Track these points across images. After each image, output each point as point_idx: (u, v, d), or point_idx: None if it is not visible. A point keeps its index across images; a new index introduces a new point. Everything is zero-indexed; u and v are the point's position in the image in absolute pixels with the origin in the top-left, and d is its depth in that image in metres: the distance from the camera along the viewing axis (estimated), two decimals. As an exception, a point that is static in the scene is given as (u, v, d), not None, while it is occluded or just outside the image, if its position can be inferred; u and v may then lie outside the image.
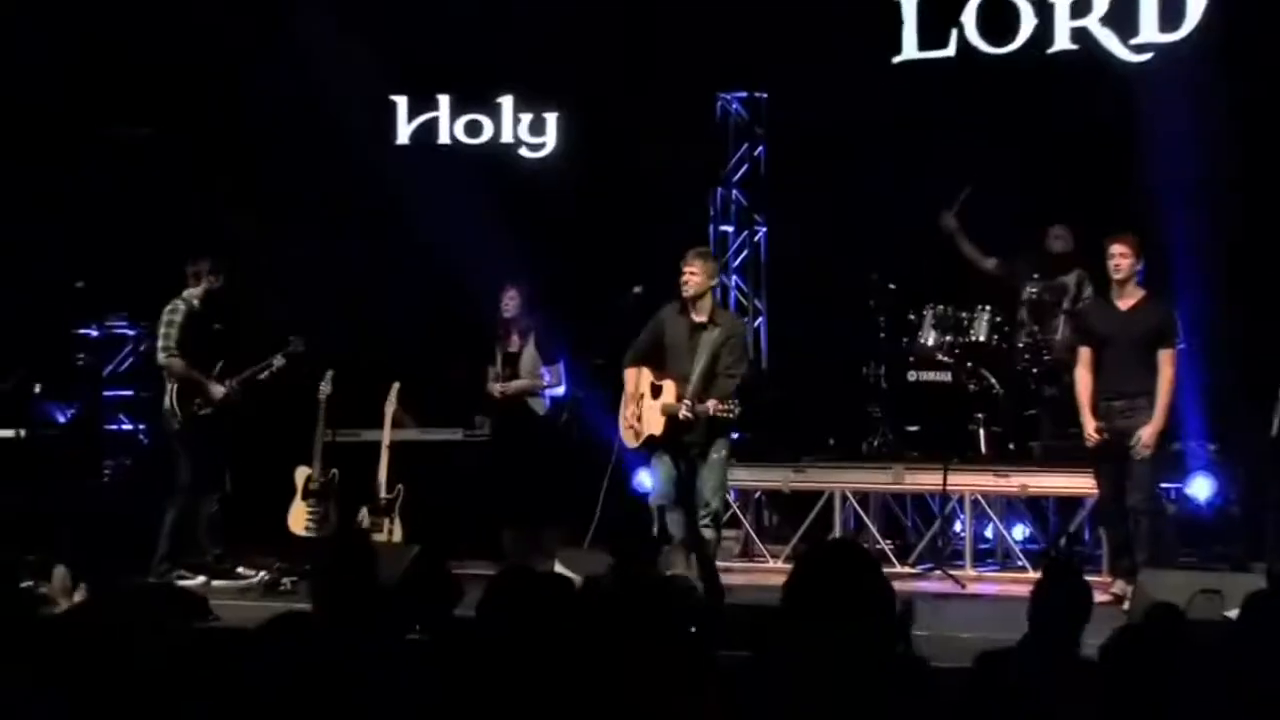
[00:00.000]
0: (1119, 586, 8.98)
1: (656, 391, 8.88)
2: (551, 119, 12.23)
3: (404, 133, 12.38)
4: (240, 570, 9.94)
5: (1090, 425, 9.02)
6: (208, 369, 10.01)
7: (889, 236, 11.26)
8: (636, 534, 9.53)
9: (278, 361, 10.20)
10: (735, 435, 9.21)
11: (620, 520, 9.94)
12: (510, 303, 10.59)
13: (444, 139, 12.35)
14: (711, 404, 8.54)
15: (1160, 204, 10.19)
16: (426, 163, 12.21)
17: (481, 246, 11.83)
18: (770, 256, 12.27)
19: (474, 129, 12.35)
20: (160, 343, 10.00)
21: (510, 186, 12.13)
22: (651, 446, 8.93)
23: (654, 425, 8.85)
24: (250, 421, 10.25)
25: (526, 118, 12.26)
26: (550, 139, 12.24)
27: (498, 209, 11.93)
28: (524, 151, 12.28)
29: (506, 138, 12.28)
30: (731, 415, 8.55)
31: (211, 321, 10.07)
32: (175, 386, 9.95)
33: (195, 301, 10.04)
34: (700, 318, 8.88)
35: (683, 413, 8.63)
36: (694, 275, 8.89)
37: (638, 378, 9.03)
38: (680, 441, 8.82)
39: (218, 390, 9.99)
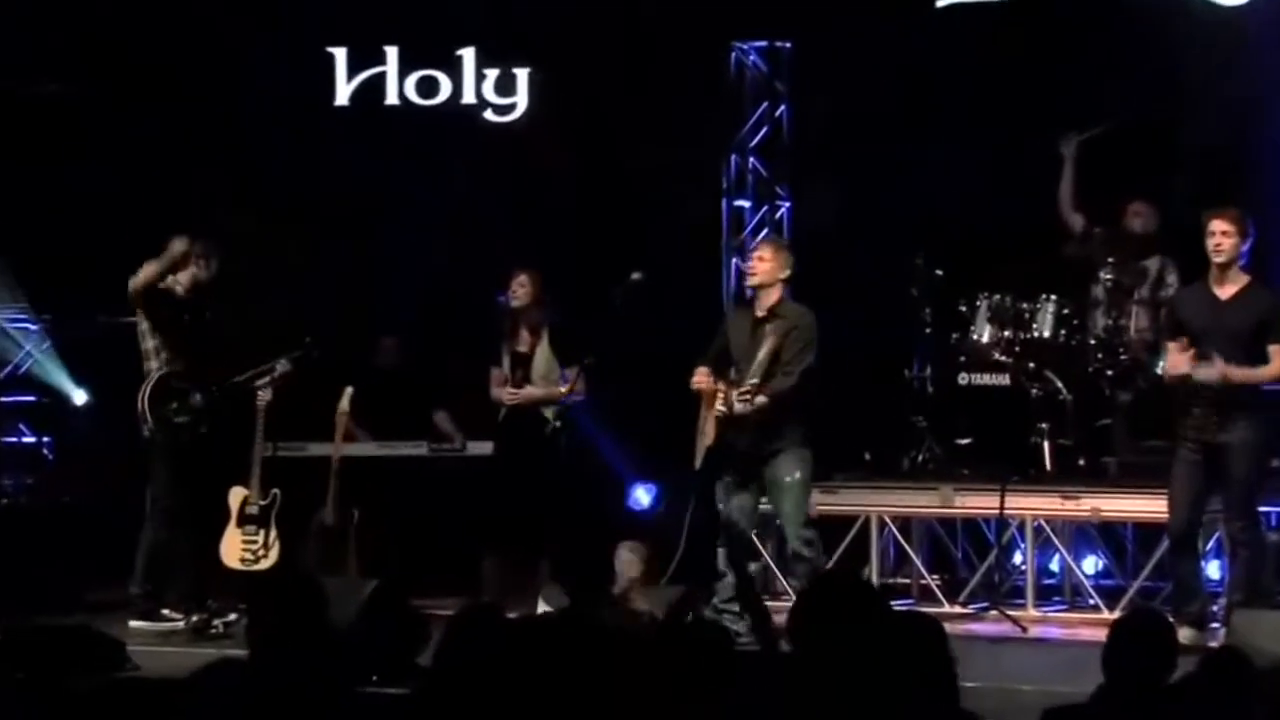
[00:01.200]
0: (1186, 635, 8.92)
1: (714, 398, 9.06)
2: (523, 75, 12.22)
3: (343, 93, 12.37)
4: (166, 612, 9.93)
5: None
6: (198, 373, 9.99)
7: (936, 213, 11.25)
8: (592, 569, 9.59)
9: (281, 367, 10.12)
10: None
11: (581, 551, 9.97)
12: (520, 291, 10.35)
13: (392, 99, 12.34)
14: (734, 395, 8.70)
15: (1261, 174, 10.18)
16: (370, 129, 12.20)
17: (443, 227, 11.83)
18: (794, 236, 12.23)
19: (428, 88, 12.33)
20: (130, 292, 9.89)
21: (475, 157, 12.10)
22: (712, 461, 9.10)
23: (709, 435, 9.06)
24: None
25: (492, 74, 12.25)
26: (521, 99, 12.23)
27: (460, 184, 11.89)
28: (490, 115, 12.27)
29: (468, 98, 12.26)
30: (748, 405, 8.67)
31: (201, 315, 10.04)
32: (148, 388, 9.91)
33: (179, 289, 10.02)
34: (763, 311, 9.08)
35: (716, 407, 8.75)
36: (762, 262, 9.08)
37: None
38: (734, 450, 8.98)
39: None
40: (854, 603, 4.40)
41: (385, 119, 12.29)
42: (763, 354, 8.87)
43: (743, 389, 8.75)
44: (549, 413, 10.21)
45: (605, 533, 10.18)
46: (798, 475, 9.01)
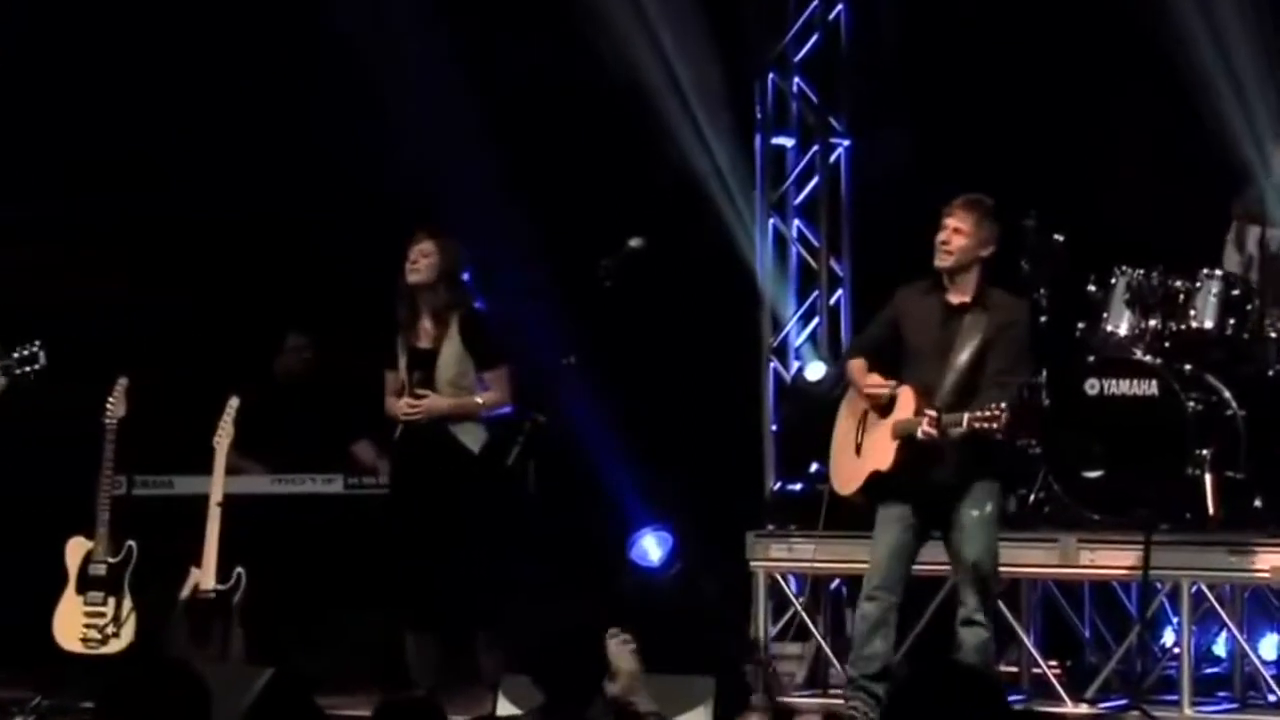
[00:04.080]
0: None
1: (888, 408, 9.15)
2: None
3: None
4: None
5: None
6: None
7: (1054, 153, 11.29)
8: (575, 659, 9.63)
9: None
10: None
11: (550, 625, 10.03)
12: (422, 261, 10.33)
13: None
14: (965, 416, 8.83)
15: None
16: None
17: (354, 174, 11.88)
18: (855, 187, 12.28)
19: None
20: None
21: (390, 75, 12.17)
22: (877, 492, 9.20)
23: (880, 456, 9.14)
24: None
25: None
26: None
27: (374, 110, 11.92)
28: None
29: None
30: (996, 428, 8.81)
31: None
32: None
33: None
34: (960, 298, 9.18)
35: (922, 429, 8.89)
36: (958, 234, 9.19)
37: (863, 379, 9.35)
38: (924, 483, 9.07)
39: None
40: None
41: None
42: (965, 358, 9.01)
43: (983, 413, 8.82)
44: (465, 433, 10.15)
45: (599, 600, 10.23)
46: (988, 509, 9.12)
